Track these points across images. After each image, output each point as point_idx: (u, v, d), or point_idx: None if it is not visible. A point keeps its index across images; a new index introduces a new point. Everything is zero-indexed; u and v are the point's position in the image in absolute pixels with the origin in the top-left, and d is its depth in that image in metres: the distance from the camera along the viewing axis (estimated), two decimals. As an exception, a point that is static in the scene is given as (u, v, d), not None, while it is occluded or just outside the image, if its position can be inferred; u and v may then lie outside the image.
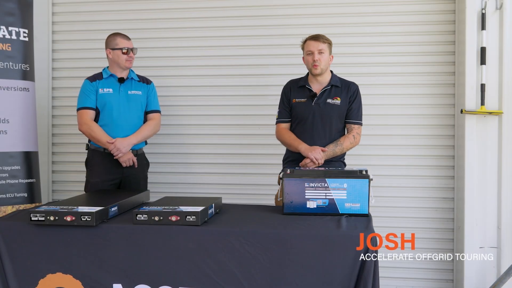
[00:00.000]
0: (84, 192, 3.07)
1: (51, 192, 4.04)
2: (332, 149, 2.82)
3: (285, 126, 2.97)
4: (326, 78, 2.91)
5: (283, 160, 3.04)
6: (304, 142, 2.83)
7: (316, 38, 2.85)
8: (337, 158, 2.89)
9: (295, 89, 2.95)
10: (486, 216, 3.35)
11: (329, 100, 2.87)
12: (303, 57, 2.93)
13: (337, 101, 2.87)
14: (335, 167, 2.77)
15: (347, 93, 2.89)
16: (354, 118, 2.90)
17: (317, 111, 2.86)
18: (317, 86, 2.91)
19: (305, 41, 2.90)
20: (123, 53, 3.05)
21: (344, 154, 2.95)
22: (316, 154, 2.73)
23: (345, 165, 2.96)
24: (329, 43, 2.87)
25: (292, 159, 2.90)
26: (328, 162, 2.82)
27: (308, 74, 2.96)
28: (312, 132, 2.86)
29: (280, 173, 3.01)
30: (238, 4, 3.81)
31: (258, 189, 3.69)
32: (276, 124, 3.01)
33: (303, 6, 3.74)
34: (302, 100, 2.90)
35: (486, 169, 3.36)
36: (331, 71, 2.96)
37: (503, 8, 3.29)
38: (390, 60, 3.67)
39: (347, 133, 2.93)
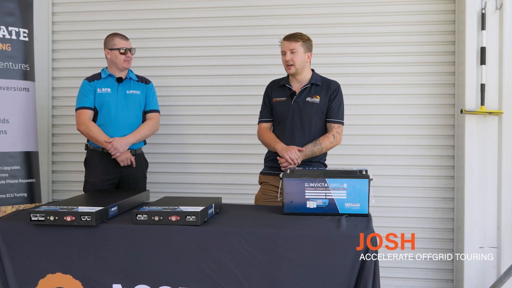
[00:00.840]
0: (83, 192, 3.07)
1: (51, 192, 4.04)
2: (311, 149, 2.76)
3: (266, 126, 2.93)
4: (306, 77, 2.86)
5: (265, 159, 2.99)
6: (284, 141, 2.78)
7: (288, 38, 2.79)
8: (317, 159, 2.83)
9: (276, 89, 2.91)
10: (486, 216, 3.35)
11: (308, 99, 2.81)
12: None
13: (317, 99, 2.81)
14: (314, 167, 2.71)
15: (327, 91, 2.83)
16: (334, 117, 2.83)
17: (296, 109, 2.81)
18: (297, 85, 2.87)
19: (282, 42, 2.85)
20: (121, 53, 3.05)
21: (325, 154, 2.89)
22: (292, 155, 2.67)
23: (325, 166, 2.89)
24: (304, 41, 2.78)
25: (272, 158, 2.85)
26: (307, 162, 2.77)
27: None
28: (291, 131, 2.81)
29: (260, 172, 3.00)
30: (238, 4, 3.81)
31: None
32: (258, 124, 2.97)
33: (303, 6, 3.74)
34: (282, 99, 2.86)
35: (486, 169, 3.36)
36: (312, 70, 2.91)
37: (503, 8, 3.29)
38: (390, 60, 3.67)
39: (327, 132, 2.85)
